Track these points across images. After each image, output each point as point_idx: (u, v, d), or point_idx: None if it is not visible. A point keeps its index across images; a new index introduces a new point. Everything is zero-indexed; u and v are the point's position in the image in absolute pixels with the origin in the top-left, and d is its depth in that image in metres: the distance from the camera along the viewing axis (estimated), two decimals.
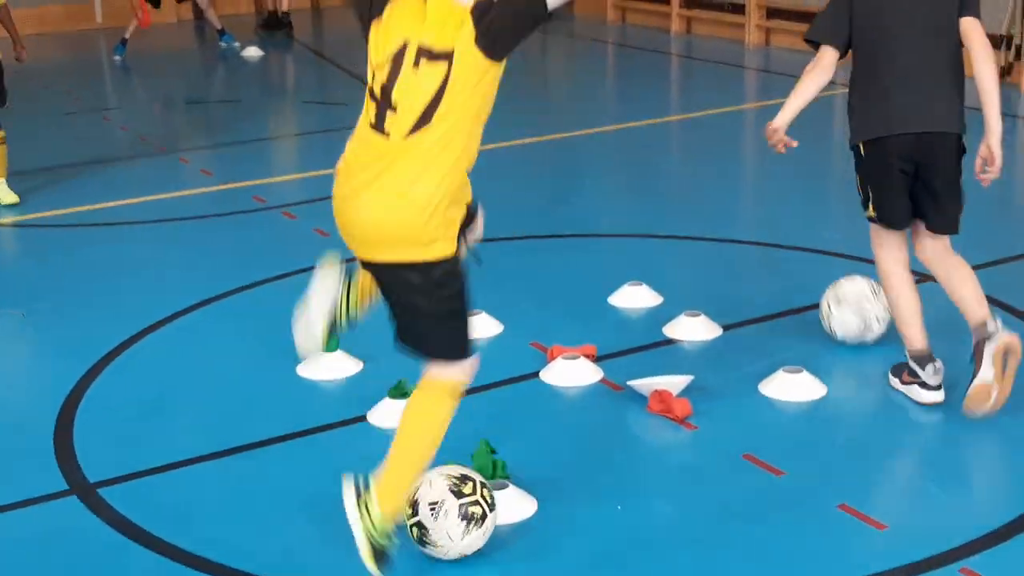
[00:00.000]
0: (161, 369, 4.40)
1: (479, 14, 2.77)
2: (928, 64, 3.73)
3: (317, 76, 10.60)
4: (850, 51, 3.84)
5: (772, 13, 10.49)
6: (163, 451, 3.74)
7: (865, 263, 5.07)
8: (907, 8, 3.73)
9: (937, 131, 3.73)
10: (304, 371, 4.28)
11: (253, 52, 10.94)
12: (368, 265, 2.99)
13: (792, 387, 3.98)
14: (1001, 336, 3.72)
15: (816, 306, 4.55)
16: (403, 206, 2.81)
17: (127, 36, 10.84)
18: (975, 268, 3.96)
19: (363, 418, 3.91)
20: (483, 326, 4.49)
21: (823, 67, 3.82)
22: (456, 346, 2.97)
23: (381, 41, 2.85)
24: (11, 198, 6.36)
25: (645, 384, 3.94)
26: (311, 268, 5.22)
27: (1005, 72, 8.64)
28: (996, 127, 3.66)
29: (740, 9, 10.62)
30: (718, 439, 3.73)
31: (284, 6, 11.94)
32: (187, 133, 8.46)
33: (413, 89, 2.77)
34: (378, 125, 2.83)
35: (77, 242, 5.91)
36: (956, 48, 3.76)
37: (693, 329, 4.49)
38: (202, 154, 7.67)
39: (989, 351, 3.71)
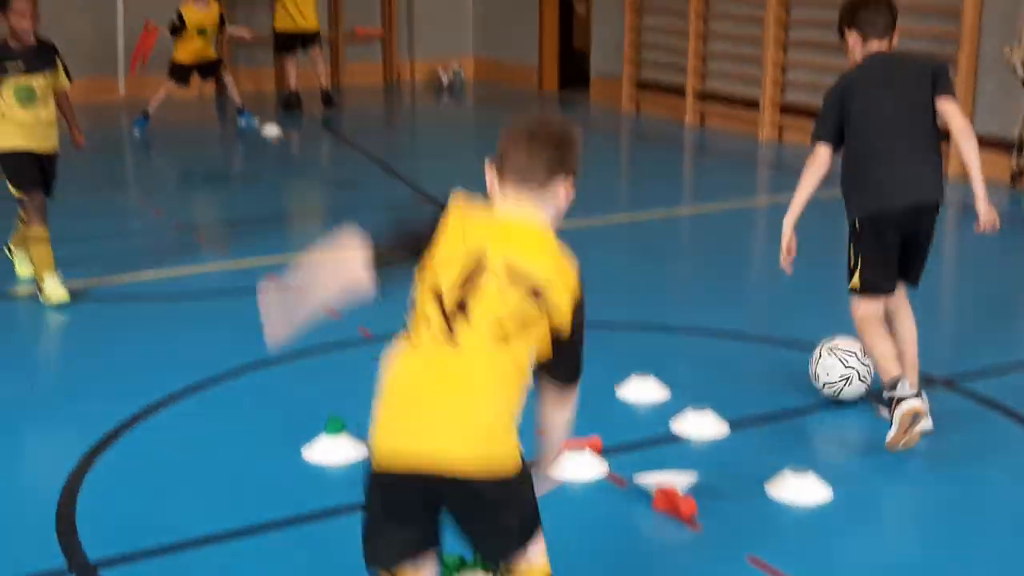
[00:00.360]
0: (168, 447, 4.40)
1: (576, 311, 2.65)
2: (911, 142, 4.31)
3: (335, 156, 10.71)
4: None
5: (785, 109, 10.60)
6: (166, 532, 3.73)
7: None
8: (889, 95, 4.30)
9: (924, 201, 4.32)
10: (310, 455, 4.27)
11: (272, 130, 11.06)
12: (430, 492, 2.61)
13: (798, 489, 3.96)
14: (910, 403, 4.17)
15: (824, 406, 4.55)
16: (485, 433, 2.57)
17: (149, 110, 10.96)
18: (982, 373, 3.96)
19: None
20: None
21: (820, 162, 4.38)
22: (533, 526, 2.71)
23: (448, 255, 2.60)
24: (60, 293, 5.97)
25: (651, 480, 3.93)
26: (321, 348, 5.28)
27: (1015, 177, 8.70)
28: (981, 193, 4.24)
29: (754, 105, 10.73)
30: (723, 540, 3.70)
31: (324, 82, 12.06)
32: (204, 209, 8.54)
33: (495, 303, 2.57)
34: (446, 338, 2.57)
35: (88, 316, 5.94)
36: (933, 124, 4.31)
37: (700, 425, 4.48)
38: (218, 231, 7.73)
39: (898, 413, 4.17)
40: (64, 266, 6.66)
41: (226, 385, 4.97)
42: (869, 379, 4.63)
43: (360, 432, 4.33)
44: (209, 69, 11.18)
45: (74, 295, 6.09)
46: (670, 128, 11.36)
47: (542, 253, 2.64)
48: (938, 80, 4.29)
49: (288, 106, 12.13)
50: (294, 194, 9.19)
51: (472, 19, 14.38)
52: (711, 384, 4.95)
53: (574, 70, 13.86)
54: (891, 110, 4.28)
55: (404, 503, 2.60)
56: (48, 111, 5.99)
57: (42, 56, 5.96)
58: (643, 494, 3.92)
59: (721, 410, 4.56)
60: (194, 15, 10.80)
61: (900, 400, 4.17)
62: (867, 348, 4.43)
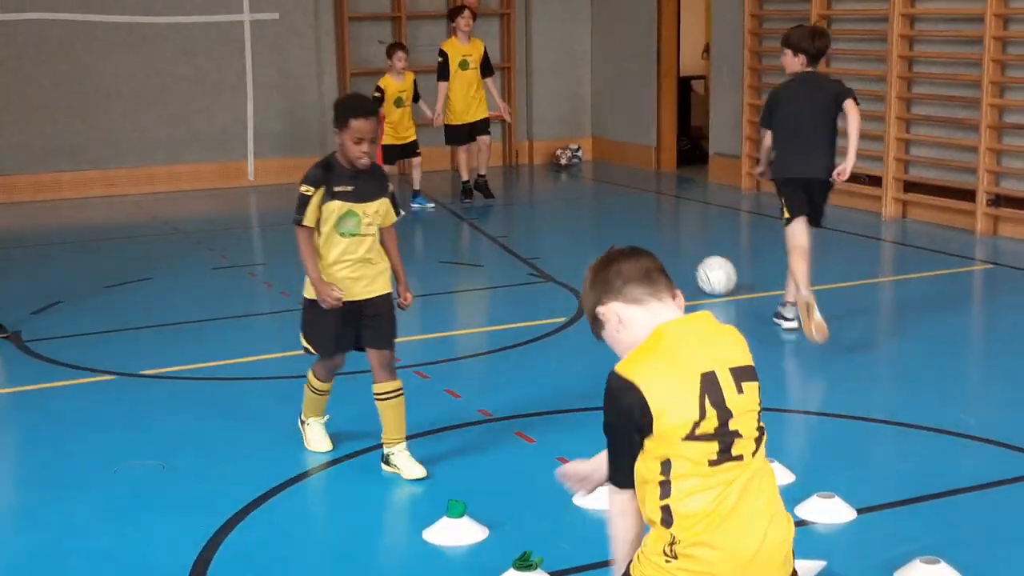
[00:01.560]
0: (291, 527, 4.46)
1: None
2: (815, 133, 6.54)
3: (455, 237, 10.85)
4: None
5: (909, 187, 10.44)
6: None
7: (999, 446, 4.95)
8: (802, 105, 6.51)
9: (813, 176, 6.61)
10: (429, 536, 4.29)
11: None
12: None
13: None
14: (806, 298, 6.55)
15: (956, 491, 4.43)
16: (789, 521, 2.83)
17: (416, 187, 11.31)
18: None
19: None
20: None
21: (769, 138, 6.74)
22: None
23: (677, 394, 2.67)
24: (321, 442, 5.17)
25: None
26: (442, 429, 5.32)
27: None
28: (852, 159, 6.48)
29: (877, 182, 10.60)
30: None
31: (482, 169, 11.68)
32: None
33: (747, 411, 2.75)
34: (726, 457, 2.71)
35: (216, 394, 6.09)
36: (833, 122, 6.55)
37: (826, 511, 4.39)
38: None
39: (802, 309, 6.55)
40: (193, 345, 6.87)
41: (349, 464, 5.03)
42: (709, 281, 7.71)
43: (481, 515, 4.35)
44: (410, 149, 11.30)
45: (201, 374, 6.24)
46: None
47: (733, 338, 2.82)
48: (842, 93, 6.47)
49: (467, 194, 11.80)
50: (415, 275, 9.30)
51: (590, 100, 14.54)
52: (838, 468, 4.85)
53: (692, 148, 13.90)
54: (801, 115, 6.50)
55: None
56: (373, 247, 4.89)
57: (375, 183, 4.88)
58: None
59: (848, 496, 4.46)
60: (392, 85, 11.01)
61: (785, 319, 6.96)
62: (791, 266, 6.70)
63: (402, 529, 4.36)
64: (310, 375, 5.12)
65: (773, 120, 6.63)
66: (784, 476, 4.72)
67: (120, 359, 6.67)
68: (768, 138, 6.73)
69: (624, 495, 2.80)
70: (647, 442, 2.69)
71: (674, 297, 2.82)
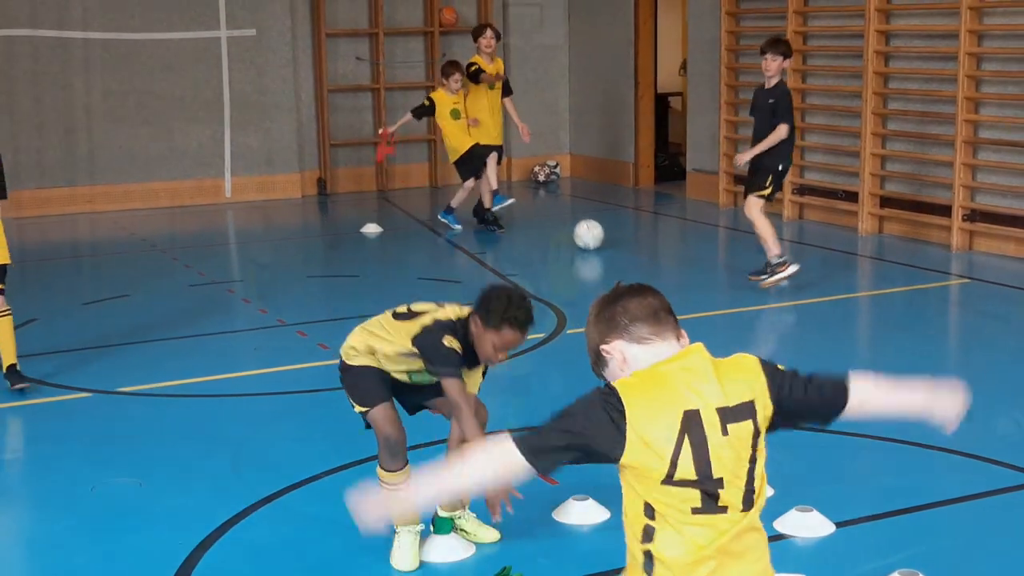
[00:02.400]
0: (270, 546, 4.44)
1: (771, 373, 2.70)
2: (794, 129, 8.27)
3: (433, 254, 10.85)
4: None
5: (885, 202, 10.51)
6: None
7: (976, 459, 4.97)
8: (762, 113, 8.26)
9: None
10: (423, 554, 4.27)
11: (372, 228, 11.27)
12: None
13: None
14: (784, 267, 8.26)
15: (933, 505, 4.45)
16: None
17: (454, 204, 11.11)
18: None
19: None
20: (595, 511, 4.45)
21: (783, 133, 8.09)
22: None
23: (657, 425, 2.53)
24: (406, 559, 4.27)
25: None
26: (421, 445, 5.31)
27: None
28: (757, 151, 8.16)
29: (853, 197, 10.66)
30: None
31: (487, 203, 11.25)
32: (306, 306, 8.69)
33: (734, 457, 2.58)
34: (710, 508, 2.55)
35: (193, 412, 6.06)
36: None
37: (805, 525, 4.40)
38: (320, 327, 7.85)
39: (772, 278, 8.27)
40: (172, 362, 6.84)
41: (328, 480, 5.01)
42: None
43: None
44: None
45: (179, 391, 6.22)
46: None
47: (729, 373, 2.62)
48: None
49: (484, 221, 11.36)
50: (394, 291, 9.30)
51: (568, 117, 14.58)
52: (816, 482, 4.87)
53: (670, 164, 13.94)
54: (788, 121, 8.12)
55: None
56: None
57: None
58: None
59: (827, 509, 4.47)
60: (445, 99, 10.89)
61: (787, 264, 8.22)
62: (763, 232, 8.19)
63: (382, 544, 4.33)
64: (379, 472, 4.33)
65: (790, 117, 8.12)
66: None
67: (97, 376, 6.64)
68: (780, 135, 7.98)
69: (515, 461, 2.51)
70: (631, 479, 2.55)
71: (679, 338, 2.67)
